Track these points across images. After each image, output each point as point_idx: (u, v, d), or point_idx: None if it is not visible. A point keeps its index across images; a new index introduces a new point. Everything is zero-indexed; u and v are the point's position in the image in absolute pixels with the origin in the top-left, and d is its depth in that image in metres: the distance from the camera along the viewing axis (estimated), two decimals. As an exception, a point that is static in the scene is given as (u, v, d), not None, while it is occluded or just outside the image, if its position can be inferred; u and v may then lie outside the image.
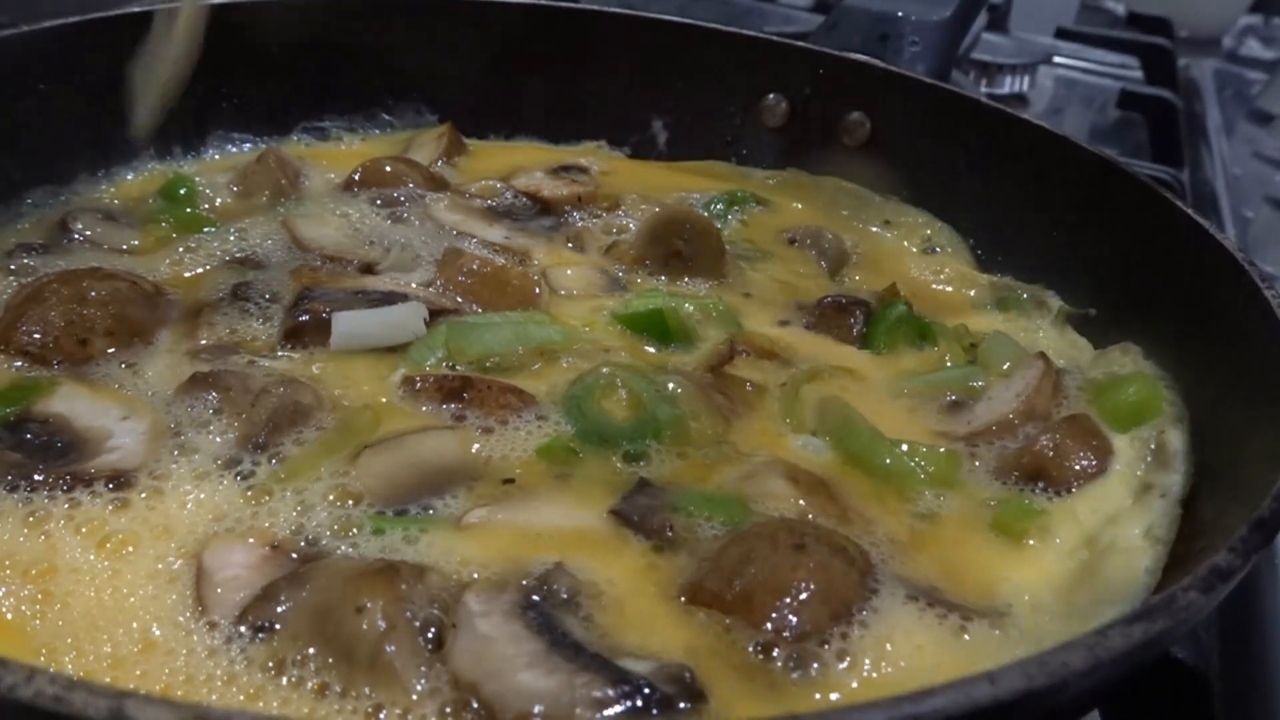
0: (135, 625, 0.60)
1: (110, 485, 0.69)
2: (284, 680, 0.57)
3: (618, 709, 0.54)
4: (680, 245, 1.03)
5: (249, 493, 0.70)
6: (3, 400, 0.76)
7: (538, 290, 0.96)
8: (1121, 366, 0.91)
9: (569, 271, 1.02)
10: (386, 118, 1.34)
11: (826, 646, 0.61)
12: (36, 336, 0.82)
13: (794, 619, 0.62)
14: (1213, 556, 0.54)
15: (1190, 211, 0.91)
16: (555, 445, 0.76)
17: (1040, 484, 0.79)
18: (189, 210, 1.10)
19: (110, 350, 0.83)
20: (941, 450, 0.80)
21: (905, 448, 0.79)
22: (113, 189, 1.15)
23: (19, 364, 0.81)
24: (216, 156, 1.24)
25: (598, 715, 0.54)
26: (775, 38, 1.34)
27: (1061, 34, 2.49)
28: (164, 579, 0.64)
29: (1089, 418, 0.84)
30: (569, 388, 0.82)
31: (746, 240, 1.13)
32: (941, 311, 1.03)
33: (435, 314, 0.88)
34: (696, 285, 1.03)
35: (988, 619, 0.66)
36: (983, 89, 1.96)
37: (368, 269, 0.98)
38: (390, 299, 0.89)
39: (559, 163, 1.26)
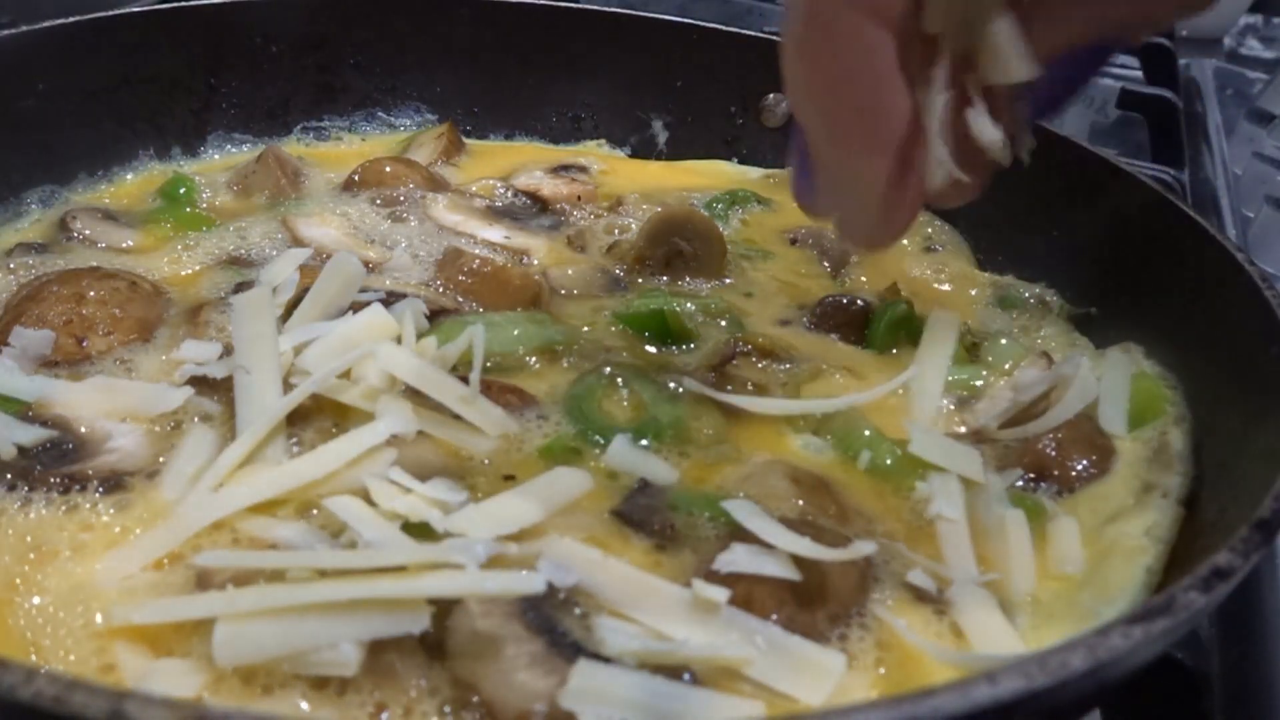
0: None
1: (104, 487, 0.69)
2: (285, 678, 0.56)
3: (618, 709, 0.54)
4: (681, 245, 1.03)
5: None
6: (5, 401, 0.76)
7: (538, 290, 0.96)
8: (1123, 366, 0.90)
9: (569, 271, 1.02)
10: (386, 118, 1.34)
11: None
12: (36, 336, 0.81)
13: (794, 620, 0.62)
14: (1213, 556, 0.54)
15: (1190, 211, 0.91)
16: (556, 445, 0.76)
17: (1042, 483, 0.79)
18: (188, 210, 1.10)
19: (108, 350, 0.83)
20: (942, 450, 0.80)
21: (906, 448, 0.79)
22: (113, 189, 1.15)
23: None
24: (216, 156, 1.24)
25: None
26: (775, 38, 1.34)
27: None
28: (162, 580, 0.63)
29: (1091, 418, 0.84)
30: (570, 388, 0.82)
31: (748, 240, 1.13)
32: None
33: (435, 314, 0.88)
34: (698, 285, 1.03)
35: (988, 619, 0.66)
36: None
37: (368, 268, 0.98)
38: (390, 298, 0.89)
39: (559, 162, 1.26)
